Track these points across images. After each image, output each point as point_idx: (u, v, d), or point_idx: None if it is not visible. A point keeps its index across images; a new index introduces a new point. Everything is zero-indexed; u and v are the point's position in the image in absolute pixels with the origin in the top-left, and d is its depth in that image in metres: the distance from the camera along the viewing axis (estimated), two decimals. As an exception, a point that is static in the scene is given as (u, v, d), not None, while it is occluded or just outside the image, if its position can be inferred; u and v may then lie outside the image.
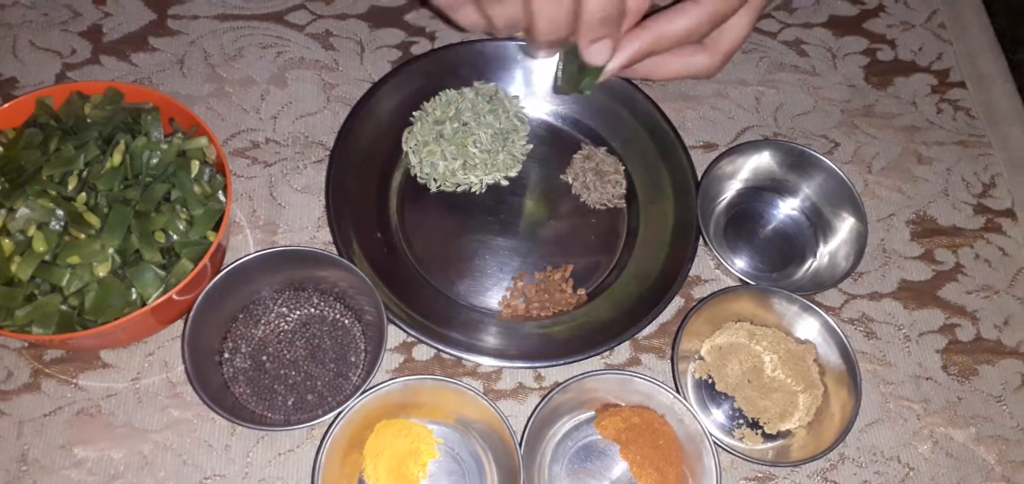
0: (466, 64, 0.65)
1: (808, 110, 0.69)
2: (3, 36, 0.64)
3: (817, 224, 0.64)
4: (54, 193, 0.50)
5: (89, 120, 0.54)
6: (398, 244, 0.60)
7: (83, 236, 0.49)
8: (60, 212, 0.49)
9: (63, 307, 0.48)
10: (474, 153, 0.62)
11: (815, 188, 0.63)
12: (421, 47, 0.68)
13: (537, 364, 0.55)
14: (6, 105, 0.54)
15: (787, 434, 0.55)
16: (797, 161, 0.63)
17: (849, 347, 0.54)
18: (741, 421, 0.56)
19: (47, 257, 0.49)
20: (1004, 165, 0.68)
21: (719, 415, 0.56)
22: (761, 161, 0.64)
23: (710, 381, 0.57)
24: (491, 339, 0.56)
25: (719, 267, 0.61)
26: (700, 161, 0.64)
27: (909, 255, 0.64)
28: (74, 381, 0.53)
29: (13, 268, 0.48)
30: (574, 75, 0.52)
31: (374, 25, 0.69)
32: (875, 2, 0.76)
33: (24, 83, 0.63)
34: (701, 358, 0.57)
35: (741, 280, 0.59)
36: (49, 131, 0.52)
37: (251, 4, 0.69)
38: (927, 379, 0.59)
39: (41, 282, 0.49)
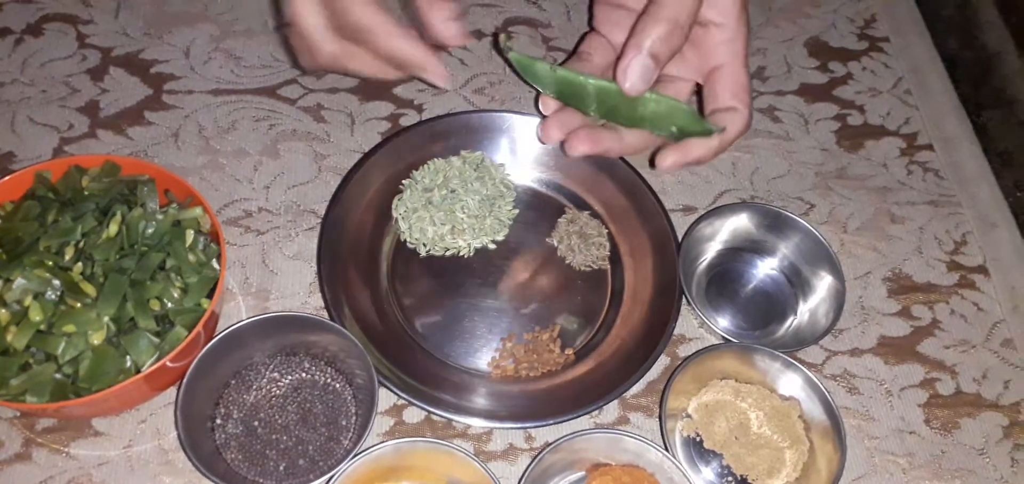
0: (453, 134, 0.67)
1: (783, 173, 0.72)
2: (2, 112, 0.66)
3: (796, 283, 0.65)
4: (51, 263, 0.51)
5: (87, 192, 0.55)
6: (388, 308, 0.61)
7: (79, 305, 0.50)
8: (56, 282, 0.50)
9: (57, 375, 0.49)
10: (462, 218, 0.63)
11: (793, 248, 0.65)
12: (409, 119, 0.71)
13: (527, 424, 0.55)
14: (5, 179, 0.55)
15: (775, 490, 0.56)
16: (774, 222, 0.65)
17: (833, 403, 0.55)
18: (730, 478, 0.56)
19: (43, 326, 0.49)
20: (974, 223, 0.71)
21: (708, 473, 0.56)
22: (739, 223, 0.66)
23: (698, 439, 0.57)
24: (481, 400, 0.56)
25: (703, 326, 0.62)
26: (680, 223, 0.66)
27: (887, 312, 0.65)
28: (66, 450, 0.53)
29: (9, 338, 0.48)
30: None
31: (364, 98, 0.71)
32: (843, 70, 0.80)
33: (21, 157, 0.64)
34: (688, 416, 0.58)
35: (724, 338, 0.60)
36: (47, 203, 0.54)
37: (244, 79, 0.71)
38: (910, 433, 0.60)
39: (36, 351, 0.49)
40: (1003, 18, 0.85)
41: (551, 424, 0.56)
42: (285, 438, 0.53)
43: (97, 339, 0.50)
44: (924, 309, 0.66)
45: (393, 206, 0.65)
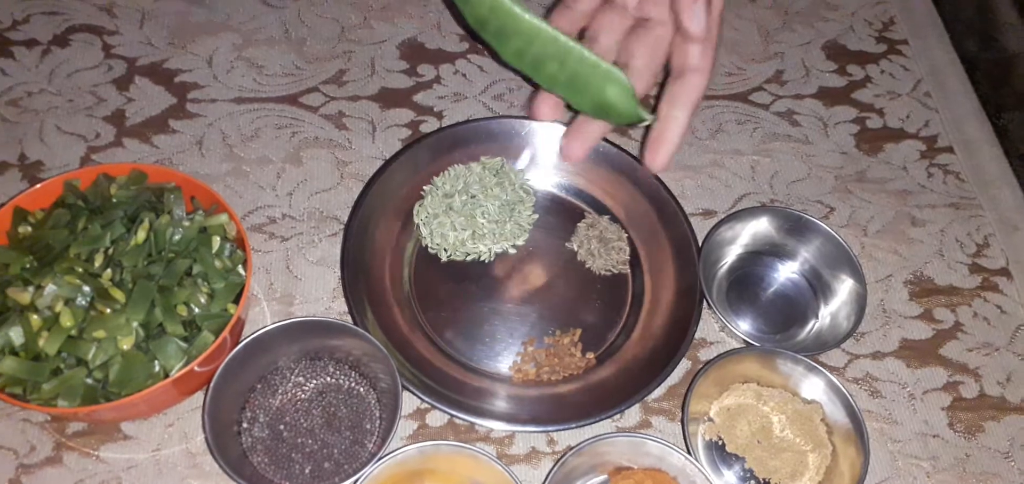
0: (473, 140, 0.68)
1: (803, 177, 0.72)
2: (30, 121, 0.67)
3: (817, 286, 0.65)
4: (81, 270, 0.52)
5: (115, 200, 0.56)
6: (410, 312, 0.61)
7: (108, 311, 0.51)
8: (86, 288, 0.51)
9: (88, 380, 0.50)
10: (482, 223, 0.64)
11: (813, 252, 0.65)
12: (430, 125, 0.71)
13: (549, 428, 0.56)
14: (35, 187, 0.56)
15: (798, 493, 0.56)
16: (795, 226, 0.65)
17: (855, 406, 0.55)
18: (753, 482, 0.56)
19: (73, 332, 0.50)
20: (996, 225, 0.71)
21: (731, 477, 0.56)
22: (760, 227, 0.66)
23: (720, 442, 0.57)
24: (503, 404, 0.57)
25: (724, 330, 0.62)
26: (700, 227, 0.66)
27: (909, 315, 0.65)
28: (95, 453, 0.53)
29: (41, 343, 0.49)
30: None
31: (384, 106, 0.72)
32: (862, 74, 0.80)
33: (50, 166, 0.65)
34: (710, 419, 0.58)
35: (746, 342, 0.60)
36: (77, 211, 0.55)
37: (266, 88, 0.72)
38: (934, 436, 0.60)
39: (67, 356, 0.50)
40: (1023, 20, 0.85)
41: (573, 428, 0.56)
42: (310, 441, 0.54)
43: (126, 344, 0.50)
44: (946, 312, 0.66)
45: (414, 212, 0.65)
